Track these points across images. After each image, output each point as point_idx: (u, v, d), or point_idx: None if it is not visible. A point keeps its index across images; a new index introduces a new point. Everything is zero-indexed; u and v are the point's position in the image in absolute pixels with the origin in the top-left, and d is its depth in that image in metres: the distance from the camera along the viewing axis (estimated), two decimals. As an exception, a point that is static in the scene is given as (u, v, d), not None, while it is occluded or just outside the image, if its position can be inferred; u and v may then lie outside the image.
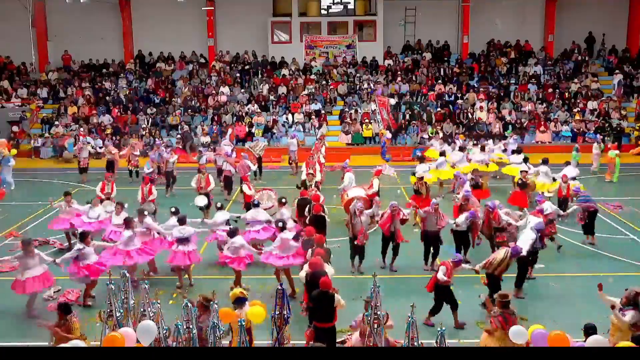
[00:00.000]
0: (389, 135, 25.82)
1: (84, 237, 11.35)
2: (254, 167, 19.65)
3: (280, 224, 11.92)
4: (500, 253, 10.76)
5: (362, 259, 12.72)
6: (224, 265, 12.09)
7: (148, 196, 15.49)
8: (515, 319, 8.39)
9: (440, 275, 10.08)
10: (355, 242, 12.52)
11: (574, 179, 16.31)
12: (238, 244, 11.58)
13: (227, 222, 13.10)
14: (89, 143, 22.65)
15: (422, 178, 15.89)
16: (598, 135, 23.52)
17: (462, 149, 19.96)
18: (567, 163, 18.44)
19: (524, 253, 11.27)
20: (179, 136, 26.16)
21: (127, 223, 11.98)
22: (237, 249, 11.59)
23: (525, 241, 11.57)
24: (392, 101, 27.76)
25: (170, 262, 12.10)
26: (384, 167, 18.01)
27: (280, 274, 11.61)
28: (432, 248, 12.86)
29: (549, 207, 13.24)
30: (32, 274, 10.67)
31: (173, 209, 12.98)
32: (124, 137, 25.84)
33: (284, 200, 13.61)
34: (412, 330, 7.54)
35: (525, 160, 18.31)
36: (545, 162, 17.44)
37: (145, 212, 12.88)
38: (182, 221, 12.16)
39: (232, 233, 11.79)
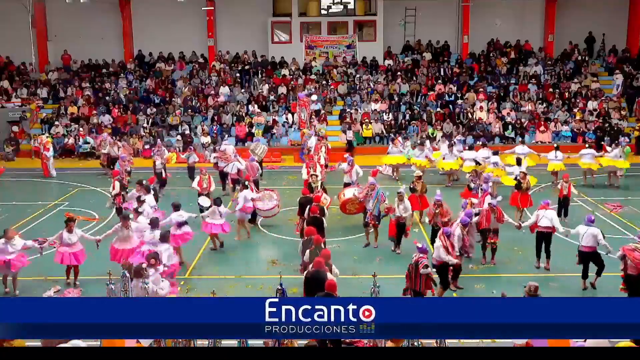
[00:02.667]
0: (311, 134, 25.42)
1: (154, 224, 12.08)
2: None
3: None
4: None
5: None
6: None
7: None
8: None
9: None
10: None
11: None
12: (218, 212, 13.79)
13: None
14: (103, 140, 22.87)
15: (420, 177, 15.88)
16: (623, 138, 23.23)
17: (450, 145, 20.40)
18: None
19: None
20: (179, 137, 26.13)
21: (152, 223, 12.18)
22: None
23: (596, 238, 11.78)
24: (314, 97, 27.22)
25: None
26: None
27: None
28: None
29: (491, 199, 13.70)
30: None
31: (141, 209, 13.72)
32: (124, 137, 25.81)
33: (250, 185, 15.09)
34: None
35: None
36: (557, 148, 19.73)
37: (130, 216, 12.81)
38: (177, 207, 13.27)
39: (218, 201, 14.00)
